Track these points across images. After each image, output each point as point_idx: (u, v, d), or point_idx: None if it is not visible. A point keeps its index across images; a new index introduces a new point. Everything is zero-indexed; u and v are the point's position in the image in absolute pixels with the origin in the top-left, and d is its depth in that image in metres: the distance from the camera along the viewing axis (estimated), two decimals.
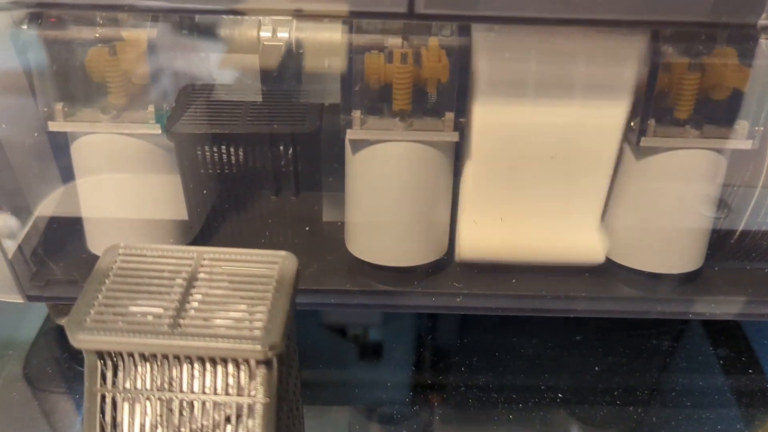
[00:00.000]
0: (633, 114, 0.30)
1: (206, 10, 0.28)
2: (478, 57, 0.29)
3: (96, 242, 0.33)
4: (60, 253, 0.34)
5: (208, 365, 0.20)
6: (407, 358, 0.37)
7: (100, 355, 0.20)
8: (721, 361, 0.37)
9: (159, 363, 0.20)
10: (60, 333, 0.38)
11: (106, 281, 0.21)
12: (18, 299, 0.34)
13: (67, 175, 0.33)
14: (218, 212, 0.37)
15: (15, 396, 0.35)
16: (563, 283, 0.34)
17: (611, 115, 0.30)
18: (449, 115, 0.30)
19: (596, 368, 0.36)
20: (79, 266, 0.34)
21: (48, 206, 0.35)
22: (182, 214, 0.33)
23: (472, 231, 0.33)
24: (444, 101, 0.30)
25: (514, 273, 0.34)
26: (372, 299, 0.33)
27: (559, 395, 0.35)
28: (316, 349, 0.37)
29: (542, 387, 0.35)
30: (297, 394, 0.24)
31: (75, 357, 0.36)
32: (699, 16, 0.25)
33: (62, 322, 0.37)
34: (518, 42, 0.28)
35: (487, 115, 0.30)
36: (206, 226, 0.36)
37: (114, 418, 0.20)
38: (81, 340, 0.19)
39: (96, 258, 0.22)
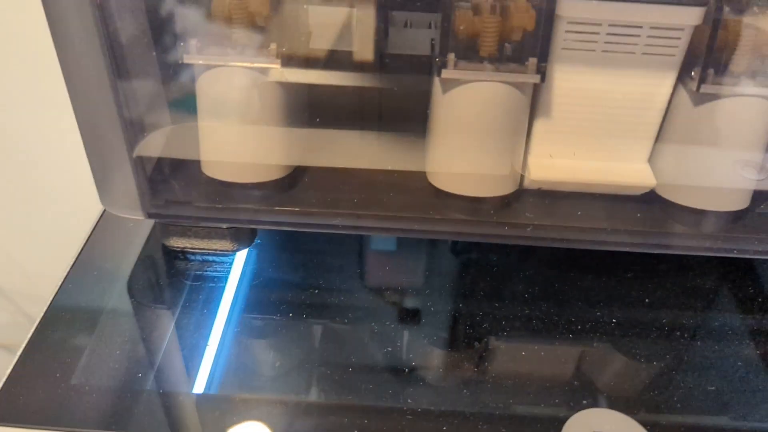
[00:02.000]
0: (692, 65, 0.34)
1: None
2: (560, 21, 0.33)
3: (212, 166, 0.38)
4: (178, 175, 0.39)
5: None
6: (476, 288, 0.41)
7: None
8: (760, 299, 0.41)
9: None
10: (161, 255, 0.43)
11: None
12: (139, 216, 0.38)
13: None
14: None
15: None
16: (621, 219, 0.38)
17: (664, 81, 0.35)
18: (532, 60, 0.34)
19: (646, 300, 0.40)
20: (194, 188, 0.38)
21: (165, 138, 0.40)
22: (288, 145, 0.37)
23: (540, 159, 0.38)
24: (528, 47, 0.34)
25: (580, 206, 0.38)
26: (451, 227, 0.38)
27: (614, 321, 0.39)
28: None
29: (598, 314, 0.39)
30: None
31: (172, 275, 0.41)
32: None
33: (170, 242, 0.41)
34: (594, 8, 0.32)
35: (562, 71, 0.35)
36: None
37: None
38: None
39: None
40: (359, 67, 0.38)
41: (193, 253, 0.42)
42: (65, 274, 0.41)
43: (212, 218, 0.39)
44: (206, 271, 0.41)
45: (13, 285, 0.74)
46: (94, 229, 0.43)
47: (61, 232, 0.60)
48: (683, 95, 0.36)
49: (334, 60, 0.37)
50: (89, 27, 0.32)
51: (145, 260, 0.42)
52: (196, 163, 0.39)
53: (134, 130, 0.36)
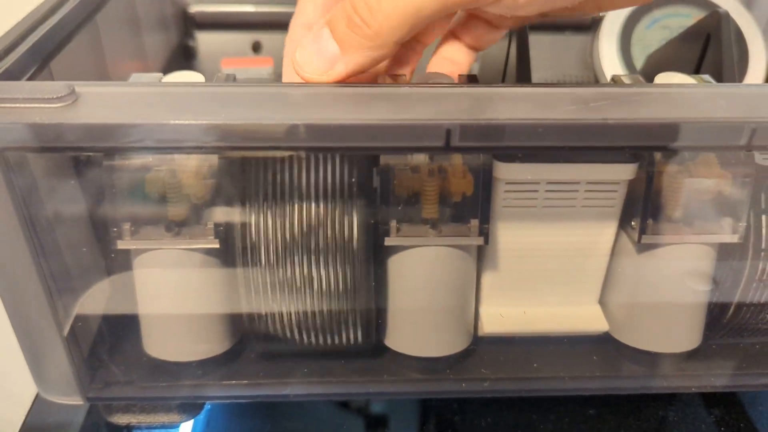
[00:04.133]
0: (632, 214, 0.35)
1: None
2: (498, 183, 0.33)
3: (153, 346, 0.36)
4: (118, 355, 0.37)
5: None
6: None
7: None
8: (722, 428, 0.41)
9: None
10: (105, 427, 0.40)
11: None
12: (78, 401, 0.36)
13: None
14: None
15: None
16: (577, 366, 0.37)
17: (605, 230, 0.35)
18: (474, 222, 0.34)
19: None
20: (136, 368, 0.36)
21: (100, 306, 0.38)
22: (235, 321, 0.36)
23: (491, 312, 0.37)
24: (469, 208, 0.34)
25: (535, 354, 0.38)
26: (410, 387, 0.37)
27: None
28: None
29: None
30: None
31: None
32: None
33: (114, 419, 0.39)
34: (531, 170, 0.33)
35: (505, 227, 0.35)
36: None
37: None
38: None
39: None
40: None
41: (139, 428, 0.40)
42: None
43: (157, 397, 0.37)
44: None
45: None
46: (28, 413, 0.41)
47: None
48: (626, 242, 0.36)
49: None
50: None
51: None
52: (137, 339, 0.37)
53: (66, 312, 0.35)
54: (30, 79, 0.33)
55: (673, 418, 0.41)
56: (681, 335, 0.37)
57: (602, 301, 0.38)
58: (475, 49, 0.36)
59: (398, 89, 0.30)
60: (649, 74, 0.37)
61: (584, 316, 0.38)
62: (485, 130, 0.28)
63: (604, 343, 0.38)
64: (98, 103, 0.28)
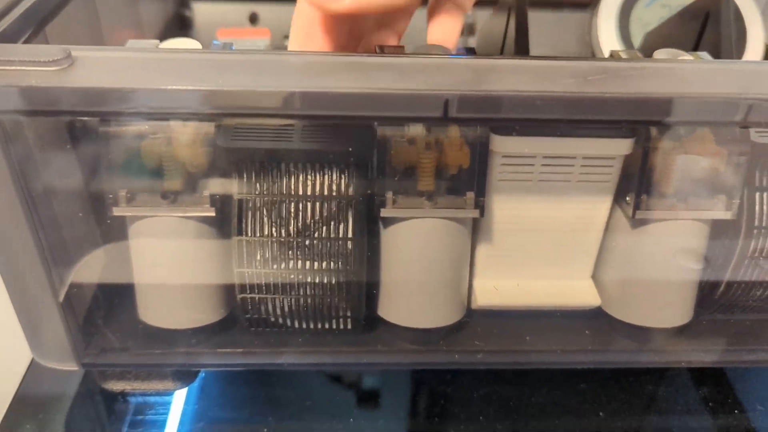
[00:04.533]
0: (627, 189, 0.35)
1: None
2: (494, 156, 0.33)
3: (148, 313, 0.36)
4: (113, 321, 0.37)
5: None
6: (428, 409, 0.40)
7: None
8: (710, 404, 0.41)
9: None
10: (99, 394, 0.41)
11: None
12: (73, 367, 0.36)
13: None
14: None
15: None
16: (569, 339, 0.38)
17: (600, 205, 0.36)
18: (470, 195, 0.34)
19: (600, 413, 0.40)
20: (131, 334, 0.37)
21: (96, 274, 0.38)
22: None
23: (485, 285, 0.38)
24: (465, 180, 0.34)
25: (527, 327, 0.38)
26: (402, 358, 0.37)
27: None
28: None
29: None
30: None
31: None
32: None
33: (109, 385, 0.39)
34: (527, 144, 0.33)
35: (500, 201, 0.35)
36: None
37: None
38: None
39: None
40: None
41: (133, 394, 0.40)
42: None
43: (152, 364, 0.37)
44: (147, 413, 0.40)
45: None
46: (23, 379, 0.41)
47: None
48: (620, 217, 0.36)
49: None
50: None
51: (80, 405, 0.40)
52: (132, 306, 0.37)
53: (61, 279, 0.35)
54: (25, 43, 0.33)
55: (662, 393, 0.42)
56: (672, 311, 0.38)
57: (595, 276, 0.39)
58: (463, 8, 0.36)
59: (396, 59, 0.30)
60: (647, 52, 0.37)
61: (577, 291, 0.38)
62: (483, 101, 0.28)
63: (596, 318, 0.38)
64: (94, 68, 0.28)
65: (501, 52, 0.46)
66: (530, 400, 0.41)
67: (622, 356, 0.38)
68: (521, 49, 0.43)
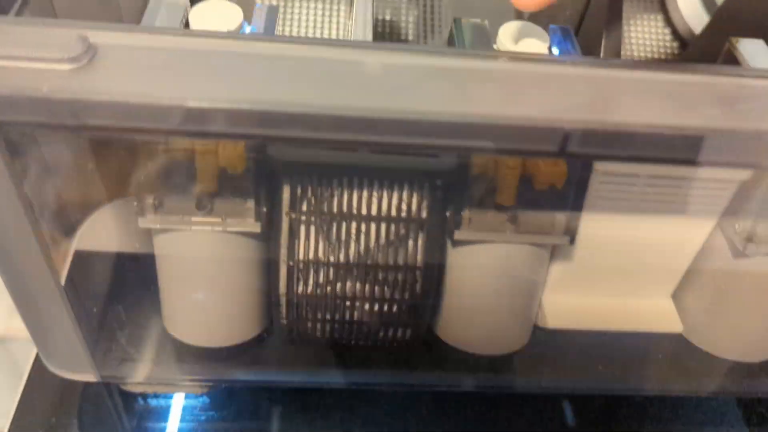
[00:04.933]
0: (734, 214, 0.30)
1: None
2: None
3: (174, 325, 0.32)
4: (134, 332, 0.33)
5: None
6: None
7: None
8: None
9: None
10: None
11: None
12: (91, 378, 0.32)
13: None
14: None
15: None
16: (646, 368, 0.34)
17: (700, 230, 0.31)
18: (560, 218, 0.29)
19: None
20: (152, 345, 0.32)
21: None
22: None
23: (556, 305, 0.33)
24: (553, 201, 0.29)
25: (597, 359, 0.34)
26: (458, 382, 0.33)
27: None
28: None
29: None
30: None
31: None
32: None
33: (128, 387, 0.35)
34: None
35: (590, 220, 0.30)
36: None
37: None
38: None
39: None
40: None
41: (155, 396, 0.37)
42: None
43: (177, 383, 0.33)
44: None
45: None
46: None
47: None
48: (721, 242, 0.31)
49: None
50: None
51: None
52: (156, 312, 0.33)
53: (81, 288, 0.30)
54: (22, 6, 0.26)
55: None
56: (761, 346, 0.34)
57: (677, 300, 0.34)
58: None
59: (495, 63, 0.23)
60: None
61: (657, 315, 0.34)
62: (612, 137, 0.22)
63: (672, 342, 0.35)
64: (118, 66, 0.22)
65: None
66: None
67: (701, 385, 0.35)
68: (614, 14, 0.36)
